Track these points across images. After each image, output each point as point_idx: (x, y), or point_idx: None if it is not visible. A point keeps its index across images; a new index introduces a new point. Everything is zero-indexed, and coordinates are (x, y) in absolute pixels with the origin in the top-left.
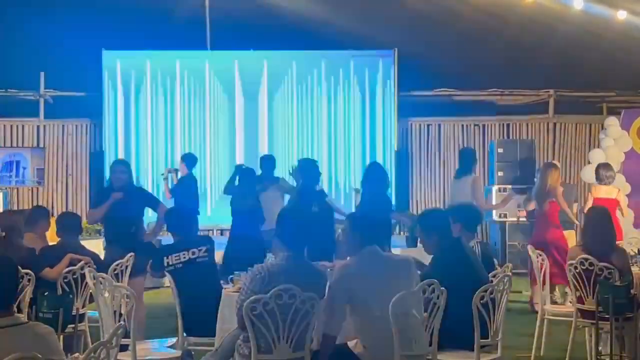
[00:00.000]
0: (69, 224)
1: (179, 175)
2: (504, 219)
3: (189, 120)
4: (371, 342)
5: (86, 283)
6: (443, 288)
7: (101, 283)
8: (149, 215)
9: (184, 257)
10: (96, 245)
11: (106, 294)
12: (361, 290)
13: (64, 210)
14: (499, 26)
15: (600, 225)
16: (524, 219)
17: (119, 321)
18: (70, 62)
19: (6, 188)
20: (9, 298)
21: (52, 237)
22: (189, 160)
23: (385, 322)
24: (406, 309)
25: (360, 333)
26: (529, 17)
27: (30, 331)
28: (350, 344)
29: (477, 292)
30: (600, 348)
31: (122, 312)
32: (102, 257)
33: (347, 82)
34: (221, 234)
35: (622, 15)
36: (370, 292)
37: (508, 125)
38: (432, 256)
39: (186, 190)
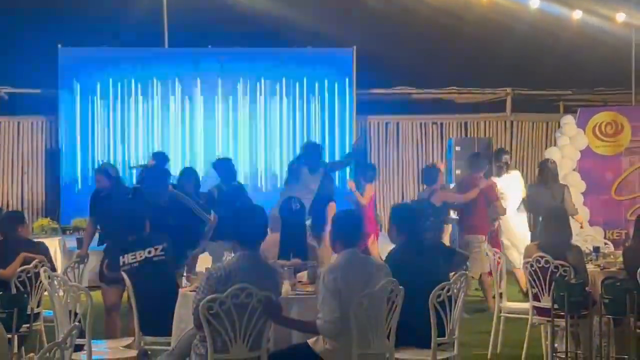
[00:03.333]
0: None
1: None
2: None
3: (146, 118)
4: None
5: (40, 281)
6: (401, 287)
7: (56, 282)
8: None
9: (140, 257)
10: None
11: (61, 293)
12: (343, 288)
13: (19, 208)
14: (457, 25)
15: (555, 223)
16: None
17: (74, 321)
18: (25, 58)
19: None
20: None
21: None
22: (161, 159)
23: (348, 320)
24: (369, 307)
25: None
26: (486, 15)
27: None
28: (310, 341)
29: (434, 290)
30: (556, 345)
31: (78, 311)
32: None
33: (306, 79)
34: None
35: (577, 14)
36: (350, 290)
37: (466, 123)
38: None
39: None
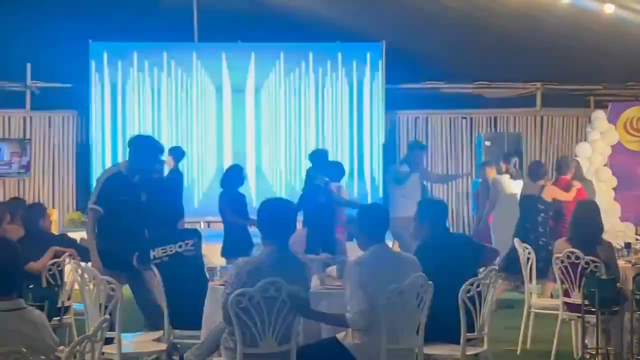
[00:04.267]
0: (32, 211)
1: (166, 168)
2: None
3: (176, 112)
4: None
5: (71, 275)
6: (430, 282)
7: (86, 275)
8: None
9: (171, 251)
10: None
11: (91, 286)
12: (370, 282)
13: (50, 202)
14: (488, 19)
15: (586, 218)
16: None
17: (105, 314)
18: (57, 53)
19: None
20: (12, 282)
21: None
22: (177, 153)
23: (377, 315)
24: (398, 302)
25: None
26: (517, 9)
27: (31, 316)
28: (339, 336)
29: (463, 286)
30: (586, 341)
31: (107, 304)
32: None
33: (335, 74)
34: (208, 227)
35: (609, 8)
36: (377, 285)
37: (495, 118)
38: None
39: (173, 184)
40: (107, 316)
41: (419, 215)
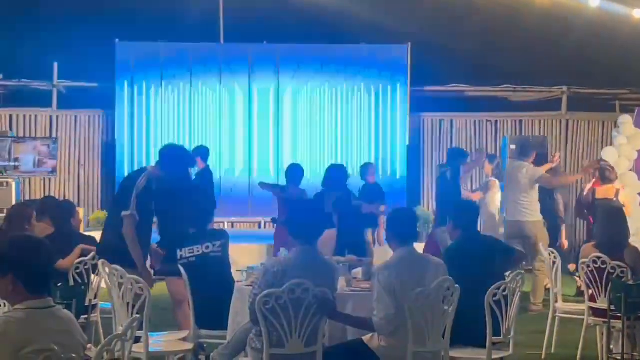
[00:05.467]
0: (64, 209)
1: (196, 169)
2: None
3: (201, 113)
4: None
5: (97, 273)
6: (457, 286)
7: (115, 274)
8: None
9: (198, 251)
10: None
11: (120, 286)
12: (397, 286)
13: (75, 201)
14: (513, 22)
15: (612, 223)
16: None
17: (132, 312)
18: (83, 52)
19: (19, 177)
20: (45, 281)
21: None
22: (203, 152)
23: (403, 318)
24: (425, 305)
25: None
26: (544, 13)
27: (61, 314)
28: (366, 338)
29: (490, 289)
30: (611, 347)
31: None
32: None
33: (360, 76)
34: (232, 227)
35: (638, 13)
36: (404, 289)
37: (521, 121)
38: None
39: (205, 184)
40: (137, 315)
41: (453, 217)
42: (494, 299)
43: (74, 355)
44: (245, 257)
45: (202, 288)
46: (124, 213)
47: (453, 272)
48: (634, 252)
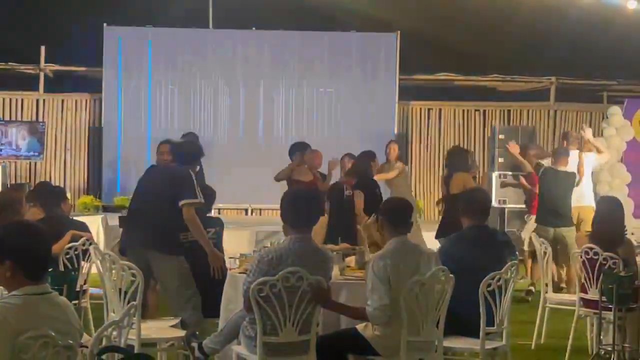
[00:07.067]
0: (53, 194)
1: None
2: (503, 205)
3: (189, 98)
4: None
5: (88, 259)
6: (451, 275)
7: (107, 260)
8: None
9: (191, 237)
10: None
11: (112, 271)
12: (392, 276)
13: (62, 185)
14: (503, 13)
15: (609, 215)
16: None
17: (125, 299)
18: (71, 36)
19: (4, 161)
20: (43, 267)
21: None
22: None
23: (397, 308)
24: (419, 295)
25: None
26: (535, 3)
27: (58, 300)
28: (359, 327)
29: (484, 279)
30: (602, 338)
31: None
32: None
33: (349, 63)
34: (219, 213)
35: (632, 5)
36: (399, 278)
37: (509, 111)
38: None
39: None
40: (134, 302)
41: (461, 207)
42: (488, 289)
43: (70, 342)
44: (233, 244)
45: (194, 275)
46: (185, 201)
47: (457, 261)
48: (628, 244)
